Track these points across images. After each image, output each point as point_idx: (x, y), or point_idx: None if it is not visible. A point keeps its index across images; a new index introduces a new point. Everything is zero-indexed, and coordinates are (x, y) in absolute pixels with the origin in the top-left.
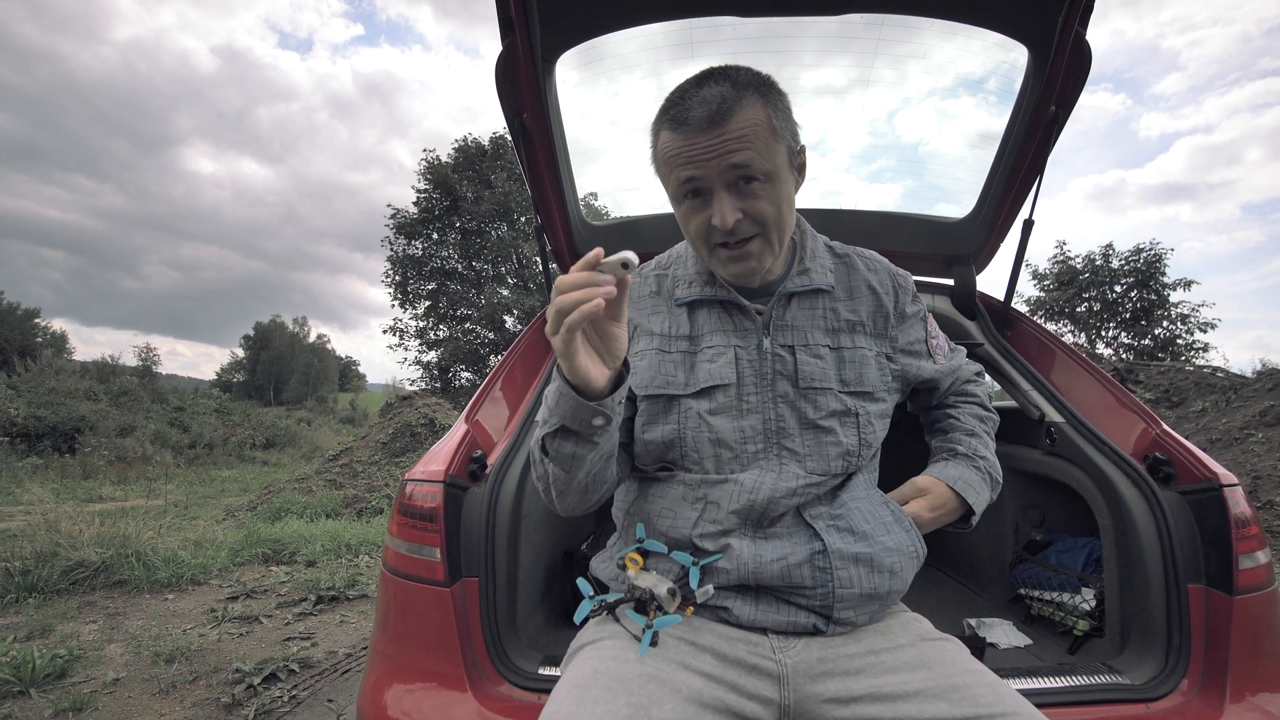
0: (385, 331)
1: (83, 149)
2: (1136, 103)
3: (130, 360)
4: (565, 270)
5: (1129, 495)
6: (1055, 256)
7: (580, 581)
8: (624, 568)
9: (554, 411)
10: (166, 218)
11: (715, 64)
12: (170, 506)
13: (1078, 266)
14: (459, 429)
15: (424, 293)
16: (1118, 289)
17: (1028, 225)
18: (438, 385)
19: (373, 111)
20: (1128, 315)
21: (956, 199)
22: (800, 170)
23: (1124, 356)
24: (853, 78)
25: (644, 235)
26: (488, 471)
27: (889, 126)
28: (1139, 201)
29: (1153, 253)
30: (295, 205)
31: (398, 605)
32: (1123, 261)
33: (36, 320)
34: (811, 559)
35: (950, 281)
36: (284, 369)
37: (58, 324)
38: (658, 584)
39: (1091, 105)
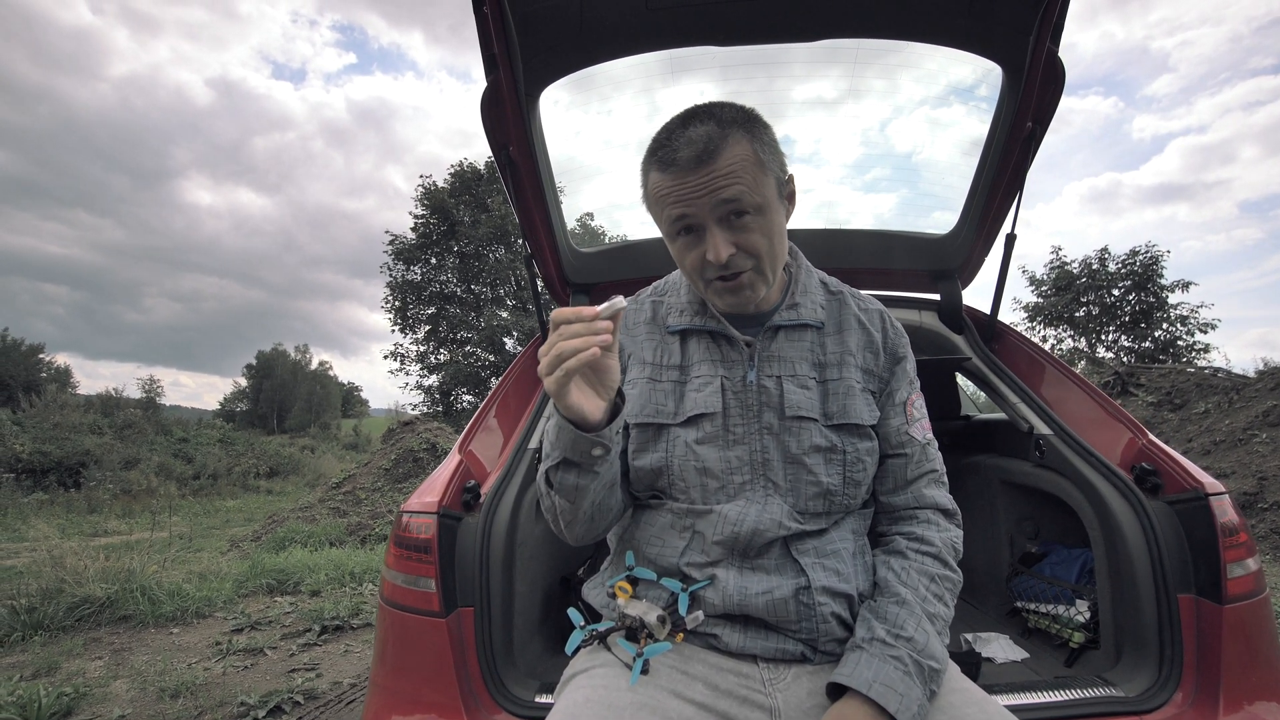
0: (386, 357)
1: (83, 184)
2: (1128, 105)
3: (134, 392)
4: (556, 298)
5: (1117, 506)
6: (1051, 262)
7: (571, 611)
8: (614, 596)
9: (555, 445)
10: (167, 250)
11: (706, 81)
12: (175, 539)
13: (1074, 271)
14: (453, 459)
15: (424, 317)
16: (1115, 292)
17: (1010, 239)
18: (439, 409)
19: (367, 138)
20: (1127, 318)
21: (940, 215)
22: (790, 199)
23: (1125, 360)
24: (832, 98)
25: (634, 260)
26: (481, 501)
27: (868, 146)
28: (1135, 203)
29: (1149, 255)
30: (293, 234)
31: (395, 637)
32: (1119, 265)
33: (41, 356)
34: (797, 594)
35: (936, 296)
36: (287, 397)
37: (62, 358)
38: (647, 611)
39: (1083, 109)
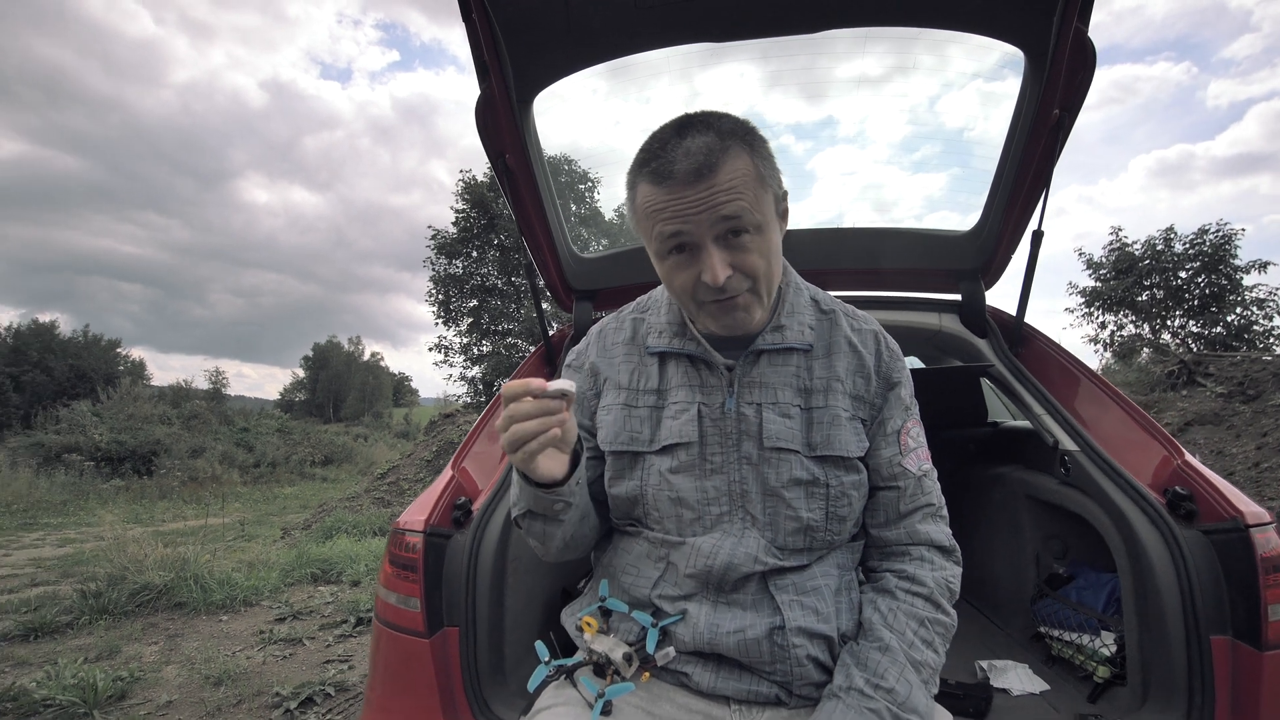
0: (431, 349)
1: (152, 188)
2: (1203, 70)
3: (202, 384)
4: (560, 304)
5: (1145, 534)
6: (1111, 243)
7: (538, 644)
8: (581, 630)
9: (519, 499)
10: (228, 248)
11: (746, 62)
12: (235, 525)
13: (1136, 253)
14: (445, 475)
15: (466, 310)
16: (1182, 275)
17: (1037, 236)
18: (483, 400)
19: (411, 134)
20: (1195, 302)
21: (962, 211)
22: (784, 217)
23: (1192, 347)
24: (841, 93)
25: (637, 265)
26: (472, 518)
27: (884, 140)
28: (1209, 176)
29: (1220, 233)
30: (344, 230)
31: (383, 655)
32: (1186, 245)
33: (118, 350)
34: (770, 634)
35: (958, 297)
36: (342, 387)
37: (137, 352)
38: (614, 648)
39: (1150, 77)
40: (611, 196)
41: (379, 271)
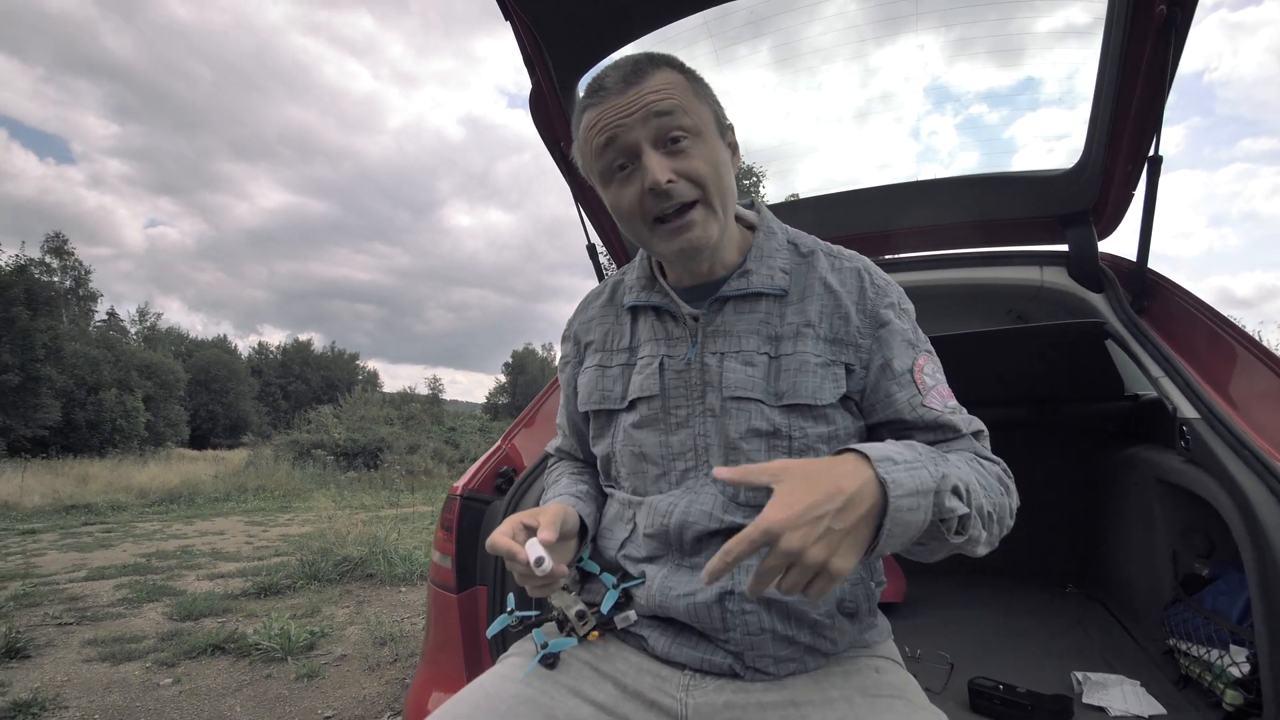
0: None
1: (377, 221)
2: None
3: (423, 389)
4: None
5: (1270, 520)
6: None
7: (510, 596)
8: None
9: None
10: (439, 269)
11: (924, 33)
12: (433, 514)
13: None
14: (494, 447)
15: None
16: None
17: (1154, 163)
18: None
19: None
20: None
21: (1061, 145)
22: (734, 150)
23: None
24: (899, 17)
25: None
26: (511, 486)
27: (956, 74)
28: None
29: None
30: (534, 244)
31: (430, 610)
32: None
33: (357, 362)
34: (721, 599)
35: (1064, 248)
36: (537, 390)
37: (372, 364)
38: (571, 605)
39: None
40: (780, 189)
41: (565, 280)
